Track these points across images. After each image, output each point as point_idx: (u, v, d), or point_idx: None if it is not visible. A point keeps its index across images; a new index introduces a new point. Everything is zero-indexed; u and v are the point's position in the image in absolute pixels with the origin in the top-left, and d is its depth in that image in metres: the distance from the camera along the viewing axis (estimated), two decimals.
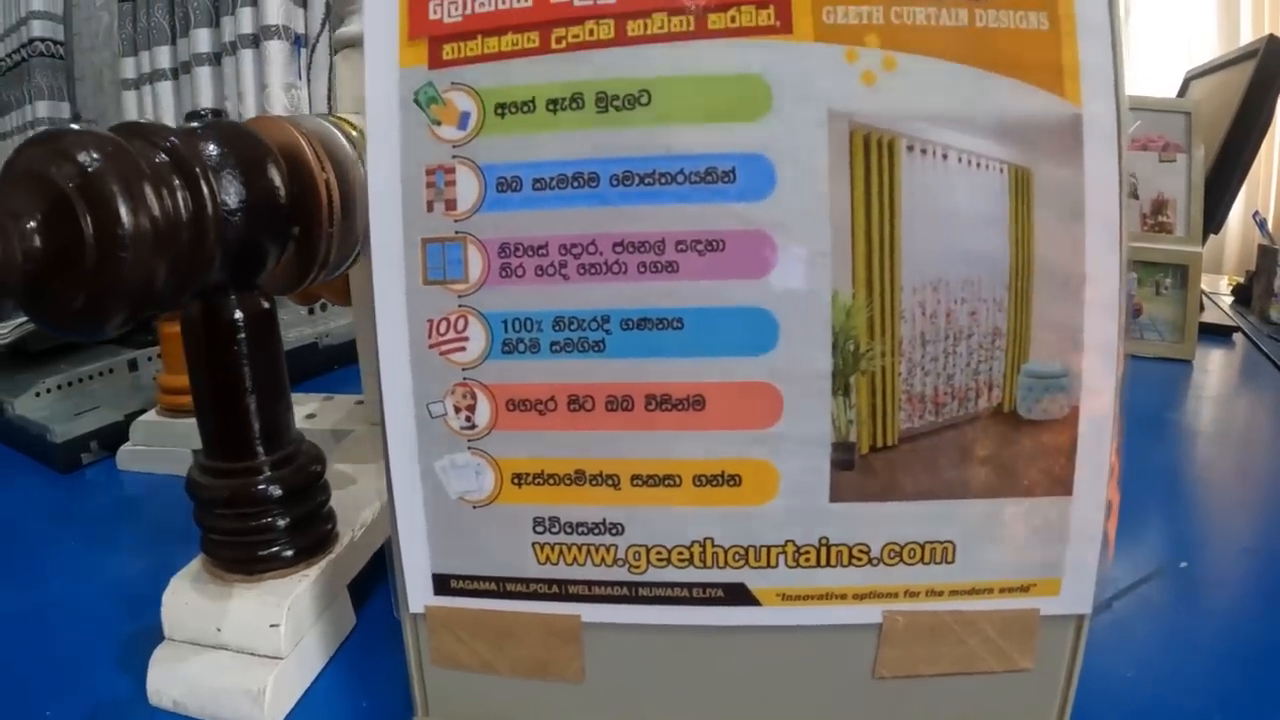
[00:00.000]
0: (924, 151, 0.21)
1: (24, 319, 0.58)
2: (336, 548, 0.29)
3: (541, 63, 0.21)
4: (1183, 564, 0.33)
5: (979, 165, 0.21)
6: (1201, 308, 0.64)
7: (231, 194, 0.25)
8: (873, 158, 0.21)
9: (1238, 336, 0.71)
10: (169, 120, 1.19)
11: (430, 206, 0.22)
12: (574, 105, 0.21)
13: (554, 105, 0.21)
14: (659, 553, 0.22)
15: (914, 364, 0.21)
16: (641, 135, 0.21)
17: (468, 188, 0.21)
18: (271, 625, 0.26)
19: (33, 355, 0.58)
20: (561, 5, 0.21)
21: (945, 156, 0.21)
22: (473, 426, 0.22)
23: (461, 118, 0.22)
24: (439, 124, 0.22)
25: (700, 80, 0.21)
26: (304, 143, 0.29)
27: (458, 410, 0.22)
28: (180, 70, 1.17)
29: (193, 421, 0.50)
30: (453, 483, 0.22)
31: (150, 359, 0.62)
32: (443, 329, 0.22)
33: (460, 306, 0.22)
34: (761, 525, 0.22)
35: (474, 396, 0.22)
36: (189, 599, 0.27)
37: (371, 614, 0.32)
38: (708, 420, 0.21)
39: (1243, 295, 0.85)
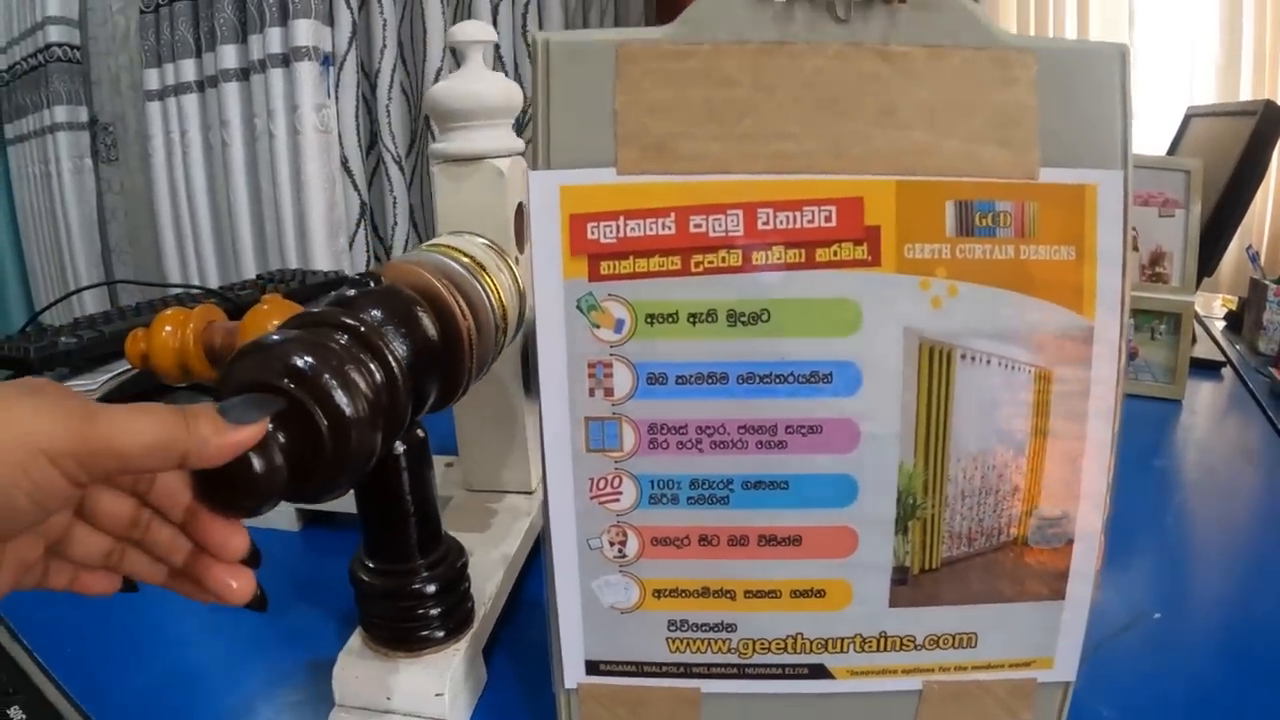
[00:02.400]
0: (973, 359, 0.28)
1: (116, 373, 0.60)
2: (476, 621, 0.36)
3: (683, 283, 0.27)
4: (1156, 615, 0.41)
5: (1012, 368, 0.28)
6: (1194, 339, 0.70)
7: (401, 352, 0.31)
8: (935, 364, 0.28)
9: (1226, 370, 0.79)
10: (194, 128, 1.17)
11: (592, 392, 0.28)
12: (709, 319, 0.27)
13: (693, 318, 0.27)
14: (762, 643, 0.30)
15: (955, 511, 0.29)
16: (762, 345, 0.27)
17: (623, 379, 0.28)
18: (437, 694, 0.34)
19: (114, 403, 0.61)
20: (699, 235, 0.27)
21: (988, 362, 0.28)
22: (624, 555, 0.29)
23: (617, 323, 0.27)
24: (598, 327, 0.28)
25: (808, 303, 0.27)
26: (446, 293, 0.34)
27: (612, 544, 0.29)
28: (206, 84, 1.14)
29: None
30: (605, 596, 0.29)
31: None
32: (601, 485, 0.28)
33: (616, 469, 0.28)
34: (838, 623, 0.29)
35: (625, 534, 0.29)
36: (358, 672, 0.34)
37: (494, 667, 0.39)
38: (803, 552, 0.29)
39: (1234, 322, 0.91)
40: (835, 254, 0.27)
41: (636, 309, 0.28)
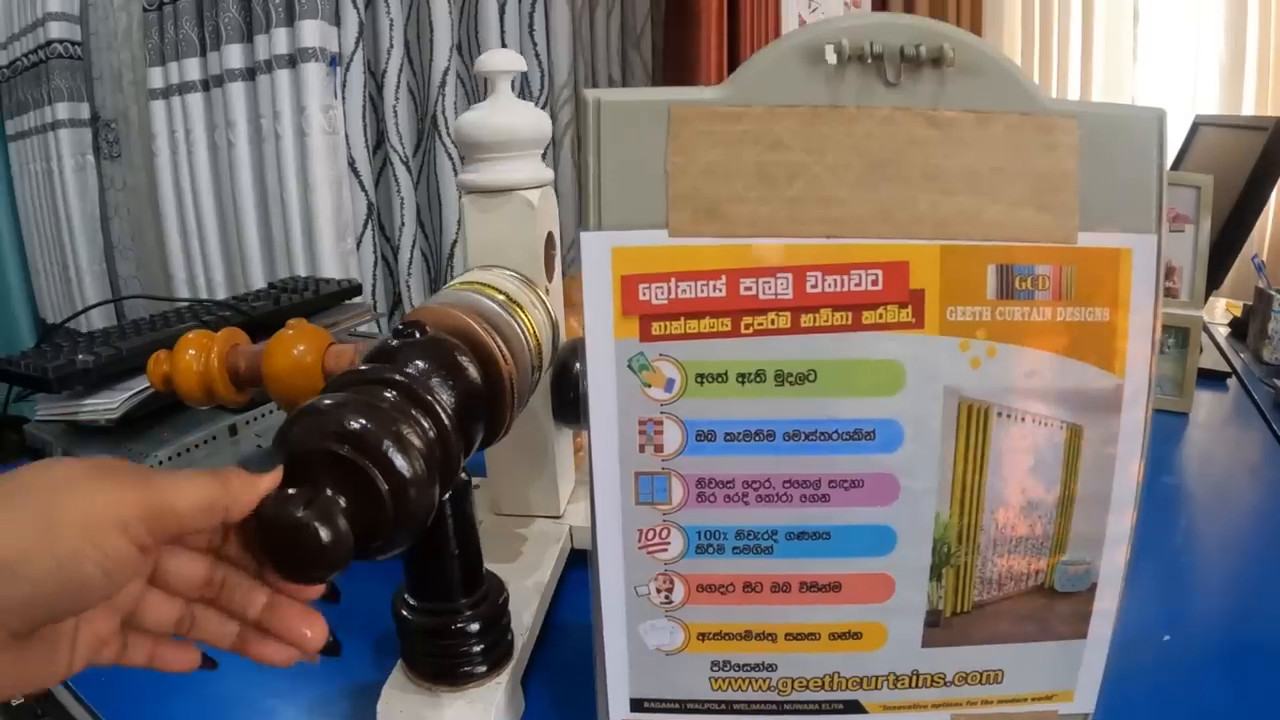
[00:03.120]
0: (1008, 416, 0.29)
1: (134, 392, 0.59)
2: (515, 653, 0.37)
3: (733, 344, 0.28)
4: (1165, 638, 0.43)
5: (1045, 424, 0.29)
6: (1200, 350, 0.71)
7: (449, 403, 0.31)
8: (973, 422, 0.29)
9: (1231, 380, 0.80)
10: (199, 128, 1.15)
11: (642, 448, 0.29)
12: (757, 379, 0.28)
13: (742, 378, 0.28)
14: (800, 682, 0.31)
15: (987, 558, 0.30)
16: (808, 405, 0.28)
17: (673, 436, 0.29)
18: None
19: (133, 421, 0.61)
20: (749, 297, 0.28)
21: (1023, 419, 0.29)
22: (670, 602, 0.30)
23: (668, 383, 0.28)
24: (649, 386, 0.28)
25: (854, 364, 0.28)
26: (488, 338, 0.34)
27: (659, 591, 0.30)
28: (211, 83, 1.11)
29: None
30: (651, 639, 0.31)
31: (248, 422, 0.66)
32: (650, 536, 0.29)
33: (664, 521, 0.29)
34: (873, 663, 0.31)
35: (672, 582, 0.30)
36: (403, 706, 0.35)
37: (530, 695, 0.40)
38: (842, 598, 0.30)
39: (1239, 328, 0.92)
40: (881, 316, 0.28)
41: (687, 369, 0.29)
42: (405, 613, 0.36)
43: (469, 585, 0.35)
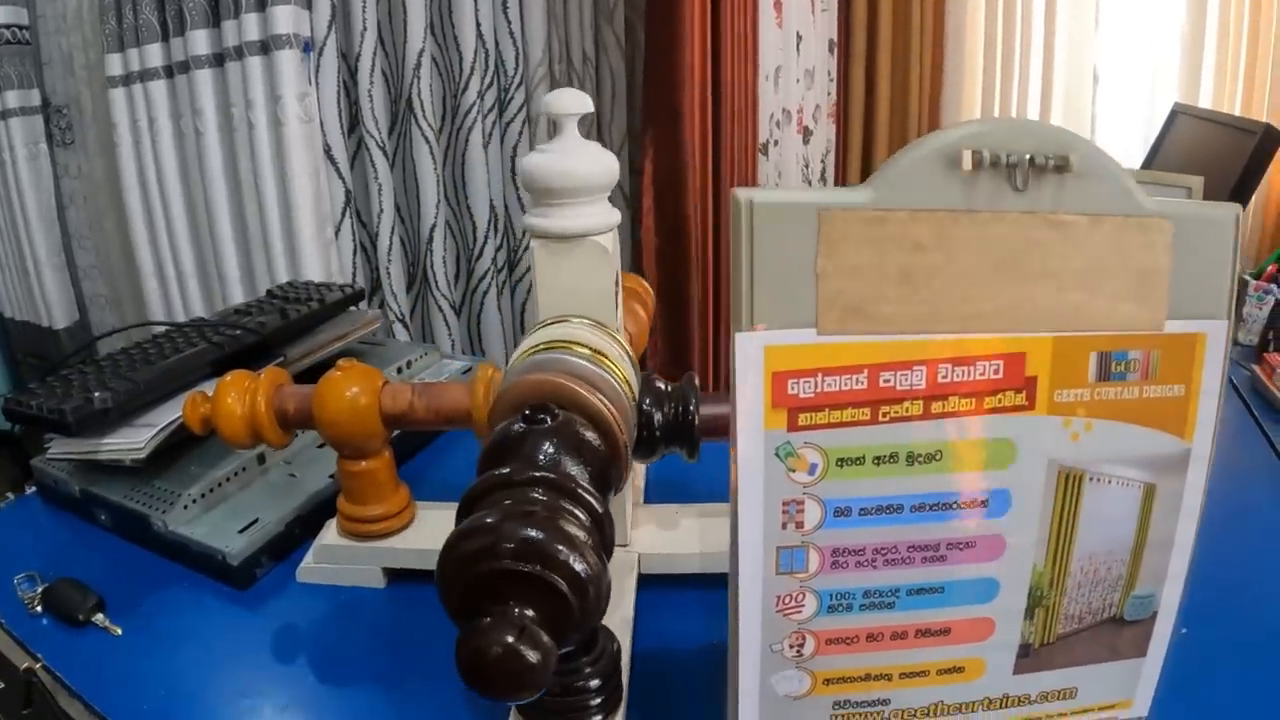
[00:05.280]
0: (1097, 479, 0.32)
1: (160, 428, 0.56)
2: (623, 694, 0.39)
3: (871, 430, 0.30)
4: (1183, 630, 0.48)
5: (1126, 485, 0.33)
6: None
7: (586, 481, 0.32)
8: (1069, 486, 0.32)
9: None
10: (163, 116, 1.04)
11: (784, 525, 0.31)
12: (891, 460, 0.31)
13: (878, 460, 0.30)
14: (909, 712, 0.35)
15: (1072, 599, 0.34)
16: (934, 480, 0.31)
17: (813, 514, 0.31)
18: None
19: (156, 456, 0.57)
20: (887, 389, 0.30)
21: (1110, 482, 0.33)
22: (801, 655, 0.33)
23: (811, 467, 0.30)
24: (794, 471, 0.30)
25: (975, 443, 0.31)
26: (600, 404, 0.35)
27: (791, 647, 0.33)
28: (176, 70, 0.99)
29: (375, 545, 0.57)
30: (781, 687, 0.34)
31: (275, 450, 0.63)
32: (787, 600, 0.32)
33: (800, 587, 0.32)
34: (971, 691, 0.35)
35: (804, 638, 0.33)
36: None
37: None
38: (950, 640, 0.34)
39: None
40: (1000, 401, 0.31)
41: (829, 454, 0.31)
42: None
43: (589, 644, 0.37)
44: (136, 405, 0.57)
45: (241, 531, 0.57)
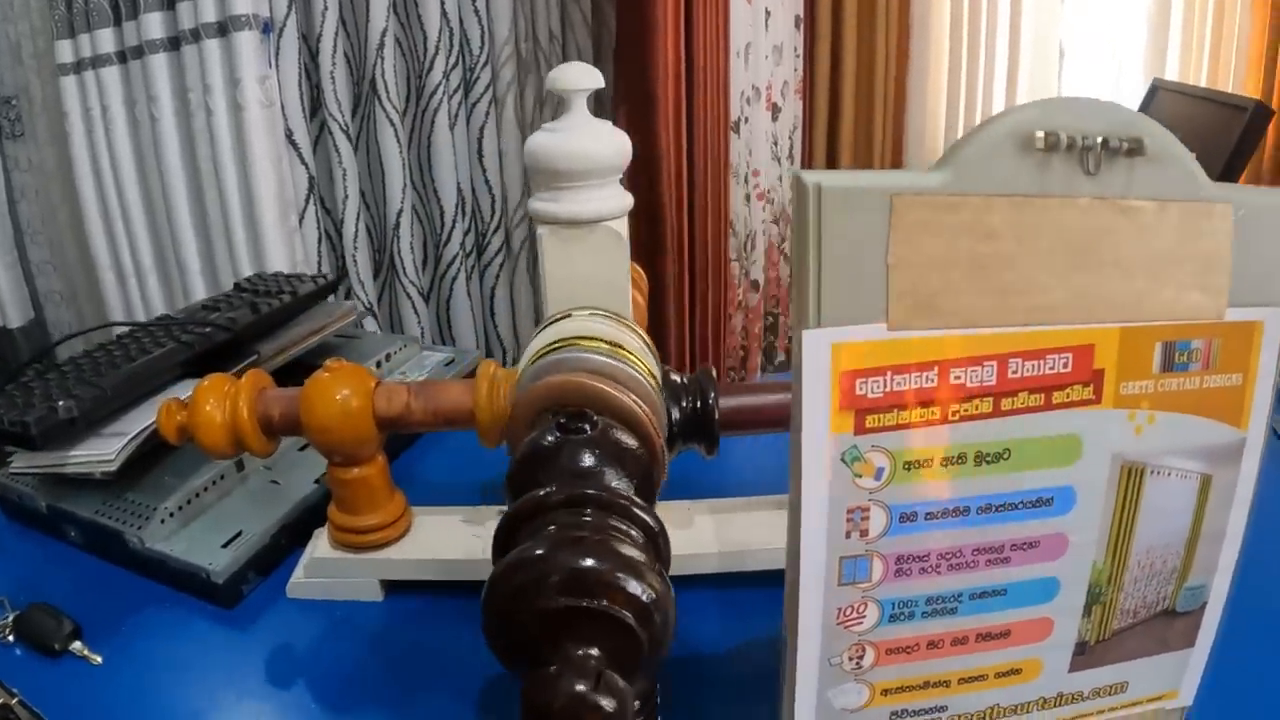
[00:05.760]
0: (1157, 473, 0.32)
1: (130, 437, 0.51)
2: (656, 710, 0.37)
3: (939, 431, 0.29)
4: None
5: (1185, 477, 0.32)
6: None
7: (630, 491, 0.30)
8: (1130, 480, 0.31)
9: None
10: (116, 103, 0.96)
11: (848, 534, 0.29)
12: (959, 461, 0.29)
13: (946, 461, 0.29)
14: (965, 716, 0.34)
15: (1128, 594, 0.33)
16: (1000, 480, 0.30)
17: (878, 521, 0.29)
18: None
19: (128, 467, 0.53)
20: (957, 386, 0.28)
21: (1169, 474, 0.32)
22: (860, 667, 0.32)
23: (877, 472, 0.29)
24: (860, 476, 0.29)
25: (1042, 440, 0.29)
26: (642, 413, 0.33)
27: (850, 659, 0.31)
28: (129, 55, 0.91)
29: (370, 556, 0.54)
30: (838, 701, 0.32)
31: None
32: (848, 612, 0.30)
33: (863, 597, 0.30)
34: (1027, 692, 0.34)
35: (864, 649, 0.31)
36: None
37: None
38: (1009, 642, 0.33)
39: None
40: (1068, 396, 0.30)
41: (896, 457, 0.29)
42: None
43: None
44: (104, 413, 0.53)
45: (225, 546, 0.53)
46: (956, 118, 2.09)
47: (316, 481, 0.61)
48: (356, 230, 1.20)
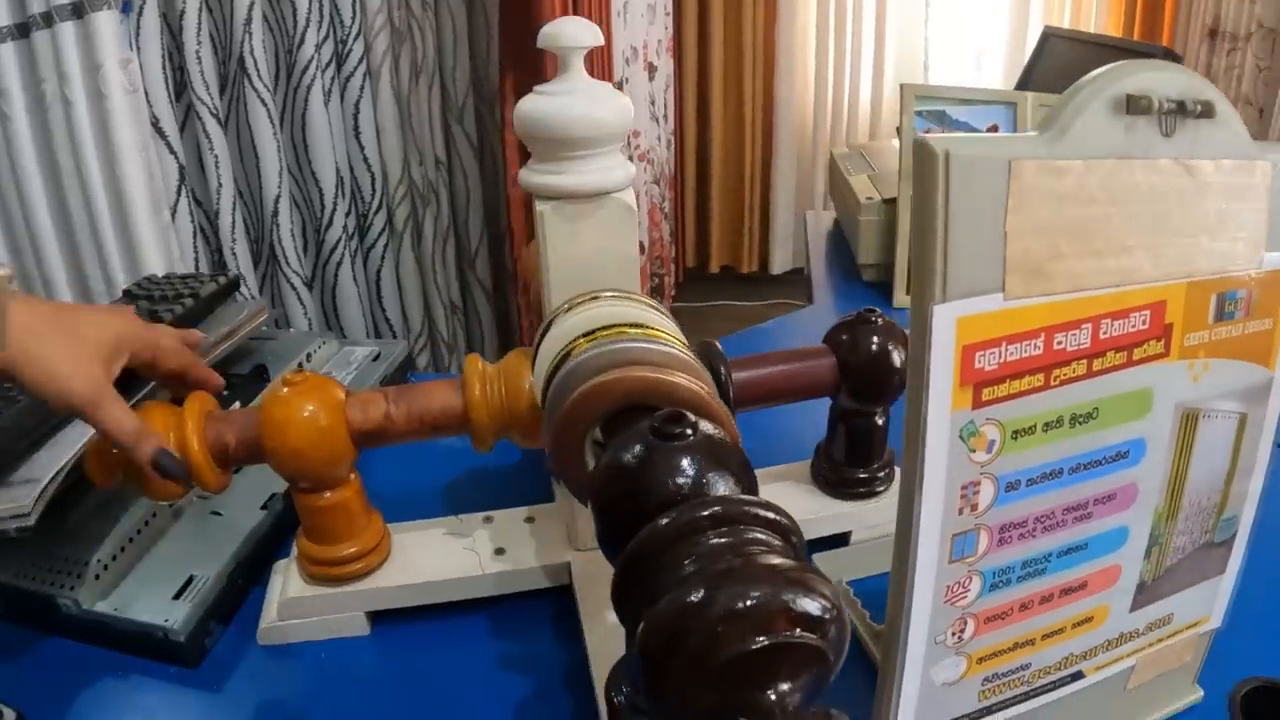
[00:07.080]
0: (1208, 416, 0.34)
1: (44, 484, 0.42)
2: None
3: (1043, 397, 0.29)
4: None
5: (1228, 417, 0.34)
6: None
7: (748, 492, 0.28)
8: (1187, 426, 0.33)
9: None
10: None
11: (960, 511, 0.29)
12: (1057, 424, 0.29)
13: (1047, 426, 0.29)
14: (1044, 670, 0.35)
15: (1180, 532, 0.36)
16: (1089, 439, 0.30)
17: (987, 494, 0.29)
18: None
19: (42, 521, 0.44)
20: (1059, 351, 0.29)
21: (1216, 416, 0.34)
22: (960, 641, 0.32)
23: (989, 444, 0.28)
24: (974, 451, 0.28)
25: (1123, 396, 0.30)
26: (717, 406, 0.30)
27: (953, 634, 0.31)
28: None
29: (353, 588, 0.49)
30: (939, 676, 0.32)
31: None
32: (955, 589, 0.30)
33: (968, 571, 0.30)
34: (1095, 637, 0.36)
35: (965, 623, 0.31)
36: None
37: None
38: (1086, 593, 0.34)
39: None
40: (1145, 352, 0.31)
41: (1005, 427, 0.29)
42: (618, 698, 0.33)
43: None
44: (8, 459, 0.44)
45: (177, 596, 0.47)
46: (826, 65, 2.13)
47: (263, 508, 0.55)
48: (234, 220, 1.08)
